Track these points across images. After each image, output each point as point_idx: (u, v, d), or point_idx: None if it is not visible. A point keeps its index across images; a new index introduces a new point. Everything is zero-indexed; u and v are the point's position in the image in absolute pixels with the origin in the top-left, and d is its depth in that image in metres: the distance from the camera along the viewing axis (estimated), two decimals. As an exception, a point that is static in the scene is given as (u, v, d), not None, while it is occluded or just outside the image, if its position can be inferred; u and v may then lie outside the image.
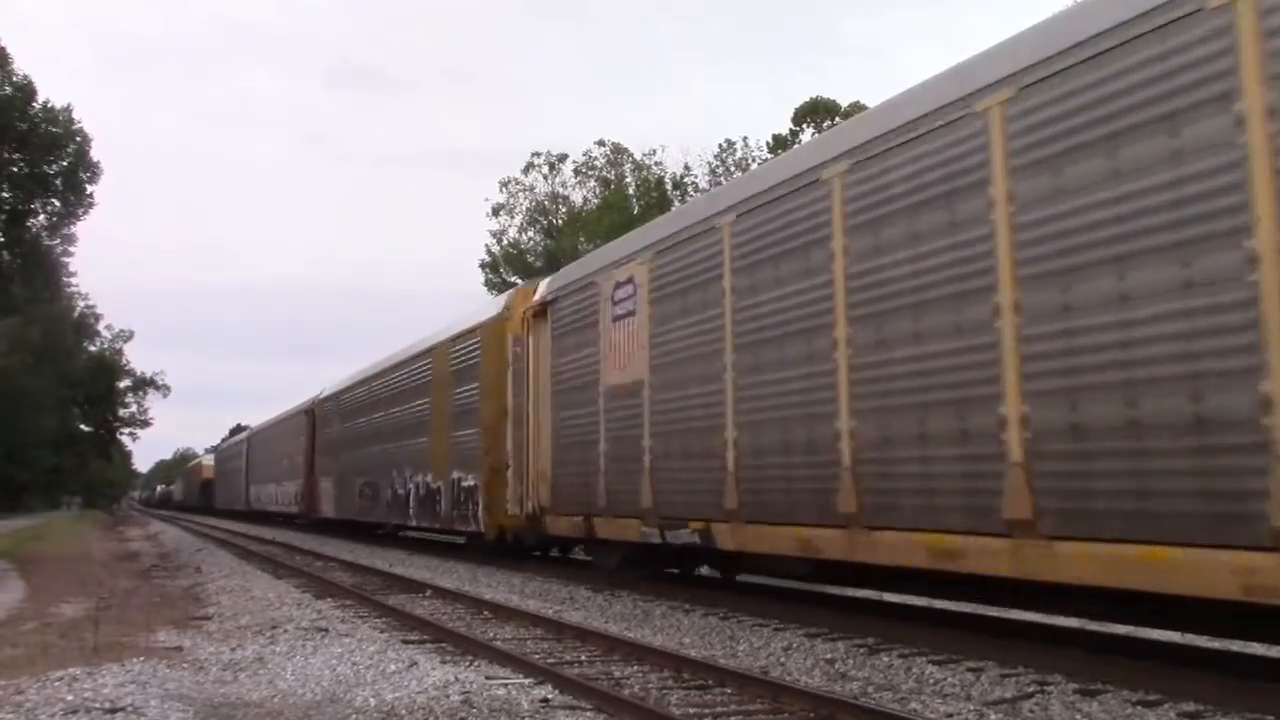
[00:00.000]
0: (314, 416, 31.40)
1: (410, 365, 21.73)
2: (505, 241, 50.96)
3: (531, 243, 50.55)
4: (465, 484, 17.47)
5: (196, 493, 72.00)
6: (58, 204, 31.34)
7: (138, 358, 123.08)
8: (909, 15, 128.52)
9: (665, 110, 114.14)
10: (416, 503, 20.49)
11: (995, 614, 9.46)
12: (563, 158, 50.17)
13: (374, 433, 24.05)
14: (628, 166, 49.93)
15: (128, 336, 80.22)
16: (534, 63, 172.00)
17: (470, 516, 17.16)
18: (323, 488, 29.78)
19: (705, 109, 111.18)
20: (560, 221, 49.36)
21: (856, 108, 37.36)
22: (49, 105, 30.54)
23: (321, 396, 31.14)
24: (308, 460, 31.77)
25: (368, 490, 24.53)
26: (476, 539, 17.54)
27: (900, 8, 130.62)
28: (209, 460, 69.82)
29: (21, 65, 30.02)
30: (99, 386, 76.35)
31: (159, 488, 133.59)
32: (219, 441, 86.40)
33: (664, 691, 6.83)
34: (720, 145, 48.07)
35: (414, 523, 21.17)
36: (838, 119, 38.28)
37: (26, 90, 29.76)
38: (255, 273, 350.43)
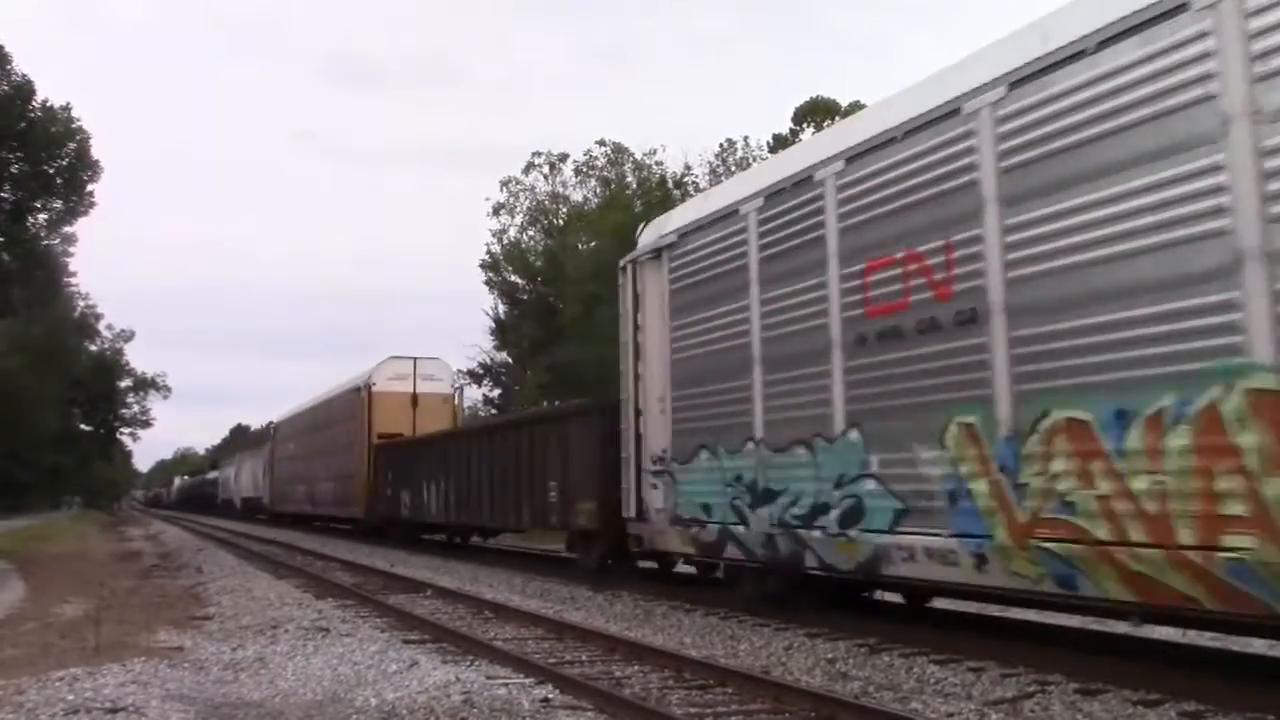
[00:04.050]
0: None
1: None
2: (506, 241, 50.96)
3: (532, 242, 50.54)
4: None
5: (375, 478, 25.95)
6: (59, 203, 31.30)
7: (138, 358, 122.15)
8: (909, 12, 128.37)
9: (665, 110, 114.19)
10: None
11: (996, 614, 9.47)
12: (563, 157, 50.14)
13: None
14: (628, 166, 49.92)
15: (128, 336, 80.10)
16: (535, 61, 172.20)
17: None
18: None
19: (705, 109, 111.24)
20: (561, 221, 49.33)
21: (856, 107, 37.33)
22: (48, 104, 30.52)
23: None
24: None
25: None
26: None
27: (900, 5, 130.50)
28: (390, 378, 27.43)
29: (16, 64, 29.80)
30: (100, 386, 76.24)
31: (179, 480, 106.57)
32: (219, 441, 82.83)
33: (665, 691, 6.84)
34: (721, 145, 48.10)
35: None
36: (837, 118, 38.23)
37: (25, 89, 29.73)
38: (255, 272, 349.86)
